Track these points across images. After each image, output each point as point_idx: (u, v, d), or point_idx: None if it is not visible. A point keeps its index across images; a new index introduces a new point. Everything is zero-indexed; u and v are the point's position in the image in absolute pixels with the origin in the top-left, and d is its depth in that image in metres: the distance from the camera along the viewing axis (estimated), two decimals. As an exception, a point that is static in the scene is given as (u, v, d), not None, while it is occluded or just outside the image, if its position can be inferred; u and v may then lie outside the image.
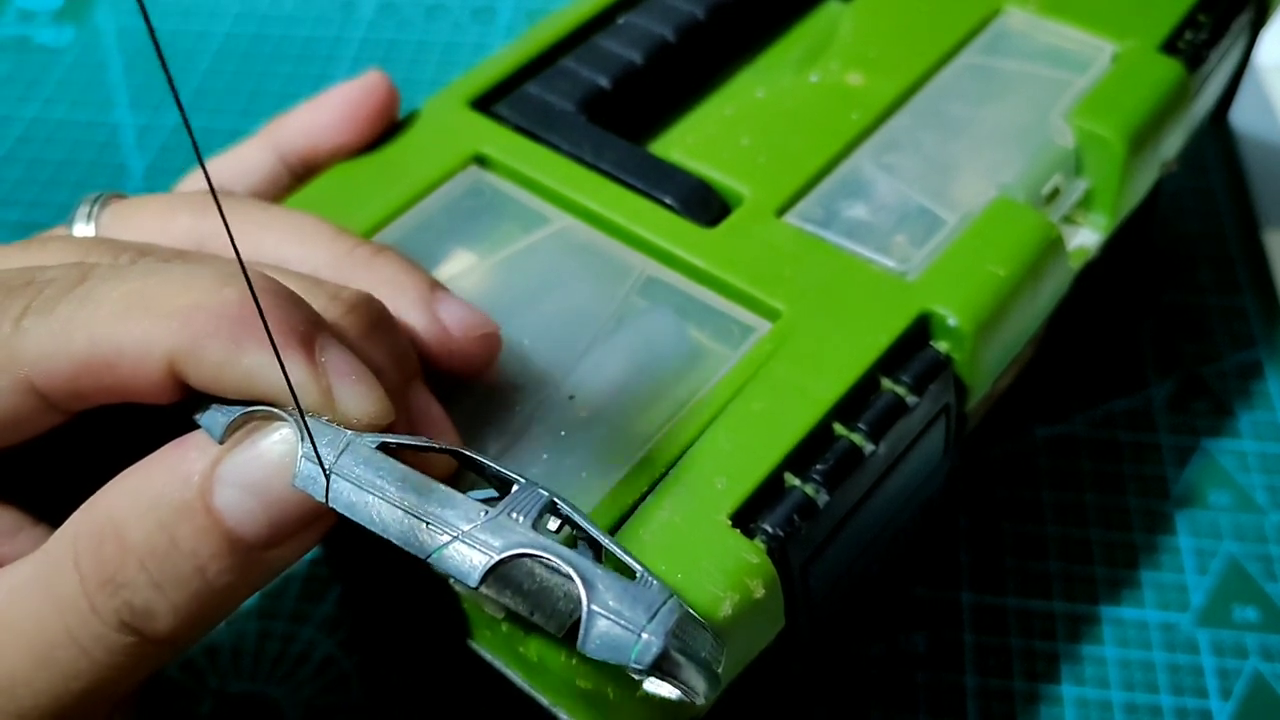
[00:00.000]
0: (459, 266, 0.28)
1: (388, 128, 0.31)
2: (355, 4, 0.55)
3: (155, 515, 0.19)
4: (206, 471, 0.19)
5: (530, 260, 0.28)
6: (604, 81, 0.31)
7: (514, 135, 0.30)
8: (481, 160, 0.30)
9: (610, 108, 0.31)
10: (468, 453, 0.20)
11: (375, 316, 0.22)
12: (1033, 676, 0.31)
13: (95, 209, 0.25)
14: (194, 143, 0.15)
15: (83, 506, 0.20)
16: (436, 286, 0.25)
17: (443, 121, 0.31)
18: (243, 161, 0.30)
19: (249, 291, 0.19)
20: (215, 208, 0.25)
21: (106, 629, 0.19)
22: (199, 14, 0.55)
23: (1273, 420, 0.36)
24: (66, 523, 0.20)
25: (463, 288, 0.27)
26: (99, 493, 0.20)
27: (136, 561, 0.19)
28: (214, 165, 0.30)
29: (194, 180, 0.30)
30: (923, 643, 0.32)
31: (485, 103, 0.32)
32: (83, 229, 0.25)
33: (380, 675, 0.32)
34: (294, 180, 0.30)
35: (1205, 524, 0.34)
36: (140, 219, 0.25)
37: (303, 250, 0.24)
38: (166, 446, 0.20)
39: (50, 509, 0.22)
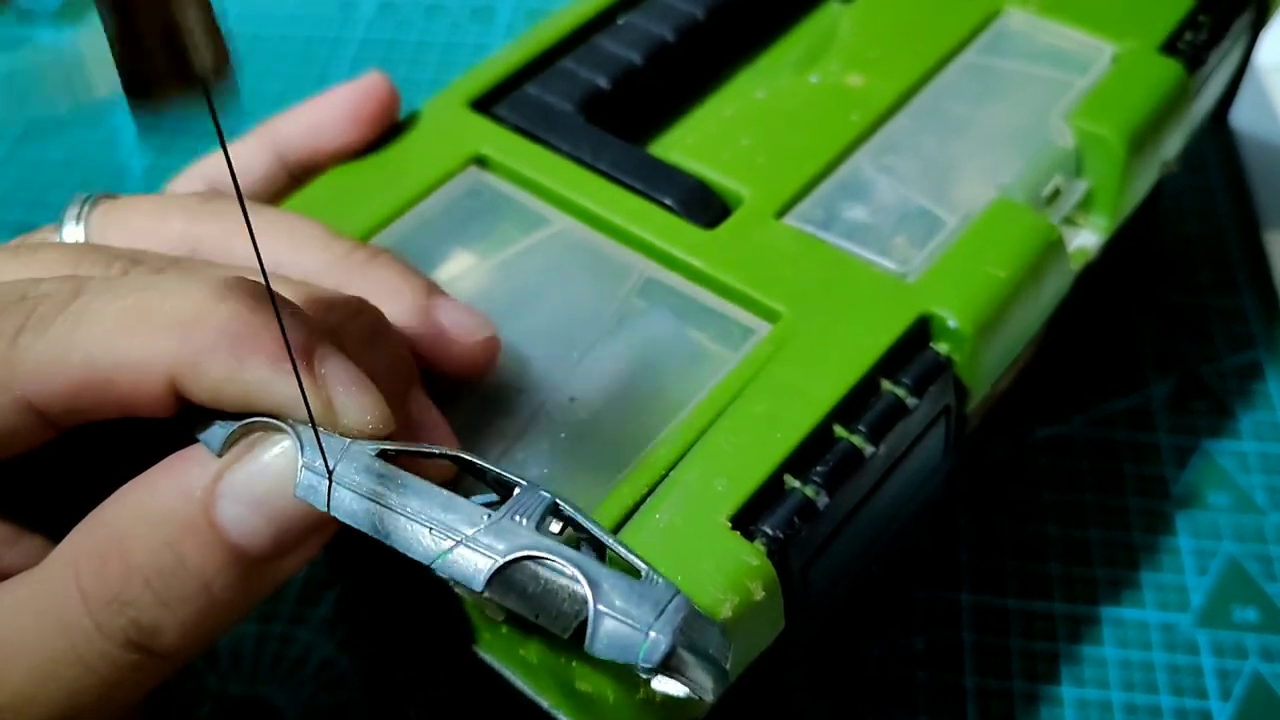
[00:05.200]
0: (459, 268, 0.28)
1: (388, 129, 0.31)
2: (355, 4, 0.55)
3: (159, 532, 0.19)
4: (208, 486, 0.19)
5: (530, 261, 0.28)
6: (603, 82, 0.31)
7: (514, 136, 0.30)
8: (481, 161, 0.30)
9: (610, 108, 0.31)
10: (468, 457, 0.20)
11: (372, 323, 0.22)
12: (1032, 677, 0.31)
13: (85, 209, 0.25)
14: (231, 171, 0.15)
15: (82, 523, 0.20)
16: (434, 291, 0.24)
17: (442, 122, 0.31)
18: (239, 160, 0.30)
19: (245, 303, 0.19)
20: (208, 211, 0.25)
21: (112, 647, 0.19)
22: (198, 13, 0.55)
23: (1272, 420, 0.36)
24: (66, 540, 0.20)
25: (462, 289, 0.27)
26: (98, 509, 0.19)
27: (142, 580, 0.19)
28: (209, 163, 0.30)
29: (186, 180, 0.30)
30: (922, 643, 0.32)
31: (485, 103, 0.32)
32: (72, 230, 0.25)
33: (379, 677, 0.32)
34: (292, 181, 0.30)
35: (1205, 524, 0.34)
36: (132, 222, 0.25)
37: (297, 255, 0.24)
38: (165, 461, 0.20)
39: (46, 517, 0.22)
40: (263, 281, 0.19)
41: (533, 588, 0.18)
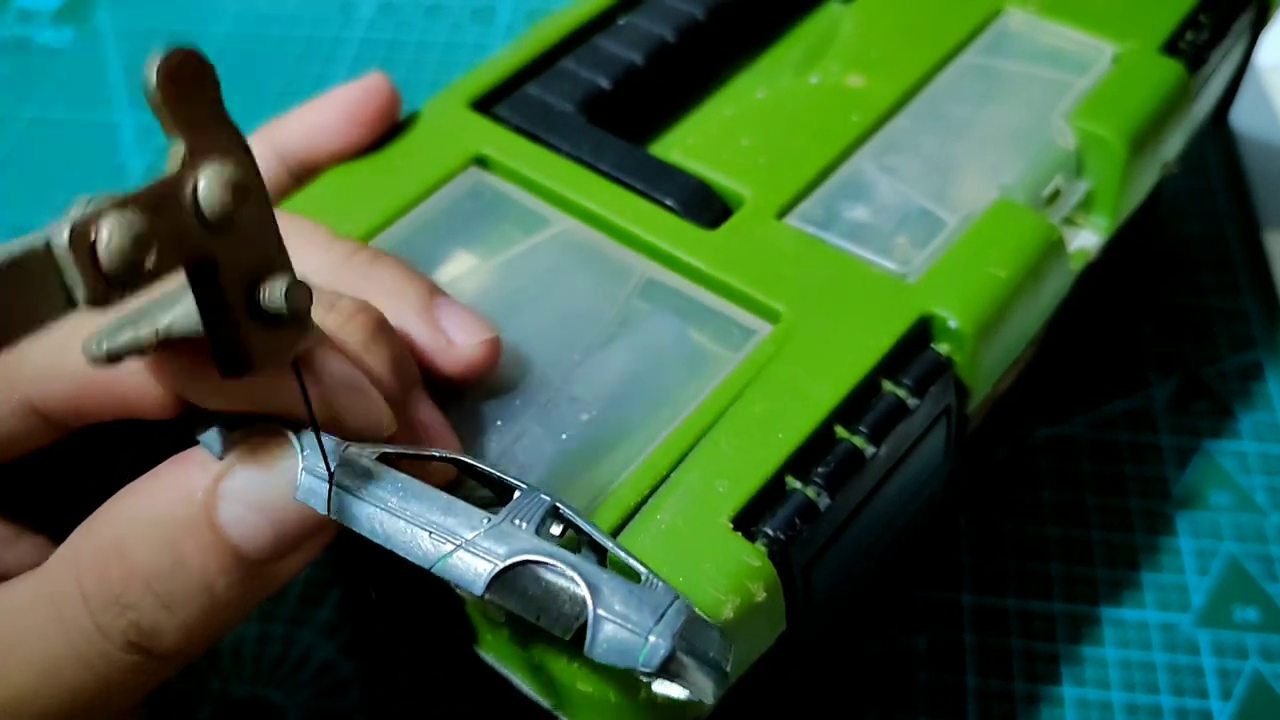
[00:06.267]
0: (460, 268, 0.28)
1: (388, 129, 0.31)
2: (355, 4, 0.55)
3: (160, 534, 0.19)
4: (209, 488, 0.19)
5: (531, 262, 0.28)
6: (604, 82, 0.31)
7: (514, 136, 0.30)
8: (482, 162, 0.30)
9: (610, 109, 0.31)
10: (468, 460, 0.20)
11: (374, 325, 0.22)
12: (1033, 677, 0.31)
13: None
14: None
15: (83, 525, 0.20)
16: (435, 292, 0.24)
17: (443, 123, 0.31)
18: None
19: None
20: None
21: (112, 648, 0.19)
22: (199, 14, 0.55)
23: (1273, 421, 0.36)
24: (67, 542, 0.20)
25: (463, 290, 0.27)
26: (99, 511, 0.19)
27: (143, 582, 0.19)
28: None
29: None
30: (923, 643, 0.32)
31: (485, 104, 0.32)
32: None
33: (380, 678, 0.32)
34: (293, 181, 0.30)
35: (1205, 525, 0.34)
36: None
37: (298, 257, 0.24)
38: (166, 463, 0.20)
39: (48, 518, 0.22)
40: None
41: (533, 591, 0.18)
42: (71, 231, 0.14)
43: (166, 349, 0.18)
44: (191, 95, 0.15)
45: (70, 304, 0.15)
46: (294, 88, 0.50)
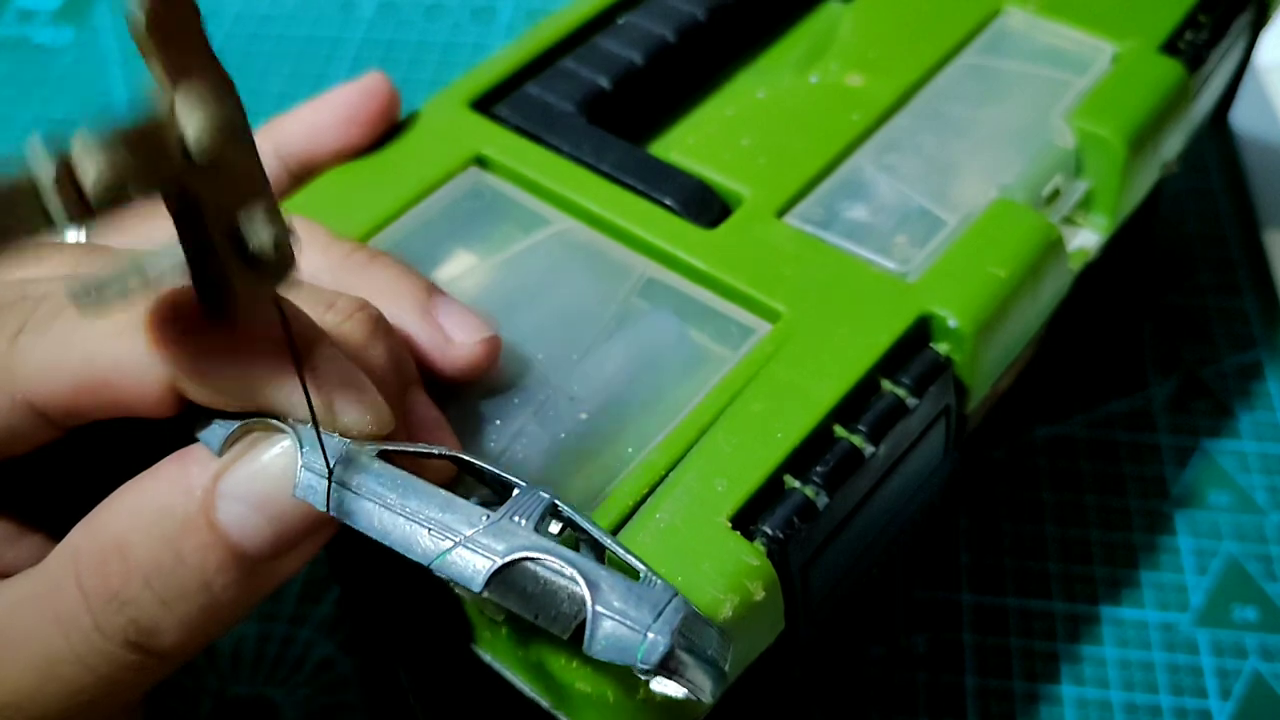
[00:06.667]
0: (459, 268, 0.28)
1: (388, 129, 0.31)
2: (355, 4, 0.55)
3: (159, 532, 0.19)
4: (208, 486, 0.19)
5: (530, 261, 0.28)
6: (604, 82, 0.31)
7: (514, 136, 0.30)
8: (482, 161, 0.30)
9: (610, 108, 0.31)
10: (467, 457, 0.20)
11: (372, 324, 0.22)
12: (1032, 677, 0.31)
13: None
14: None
15: (82, 522, 0.20)
16: (434, 291, 0.24)
17: (443, 122, 0.31)
18: None
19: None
20: None
21: (111, 646, 0.19)
22: (199, 13, 0.55)
23: (1272, 421, 0.36)
24: (65, 539, 0.20)
25: (463, 289, 0.27)
26: (98, 508, 0.20)
27: (141, 579, 0.19)
28: None
29: None
30: (923, 643, 0.32)
31: (485, 104, 0.32)
32: (73, 231, 0.25)
33: (379, 677, 0.32)
34: (293, 181, 0.30)
35: (1205, 524, 0.34)
36: (132, 223, 0.25)
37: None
38: (165, 460, 0.20)
39: (47, 516, 0.22)
40: None
41: (532, 588, 0.18)
42: (56, 168, 0.14)
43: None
44: (177, 32, 0.15)
45: (49, 223, 0.15)
46: (294, 88, 0.50)
